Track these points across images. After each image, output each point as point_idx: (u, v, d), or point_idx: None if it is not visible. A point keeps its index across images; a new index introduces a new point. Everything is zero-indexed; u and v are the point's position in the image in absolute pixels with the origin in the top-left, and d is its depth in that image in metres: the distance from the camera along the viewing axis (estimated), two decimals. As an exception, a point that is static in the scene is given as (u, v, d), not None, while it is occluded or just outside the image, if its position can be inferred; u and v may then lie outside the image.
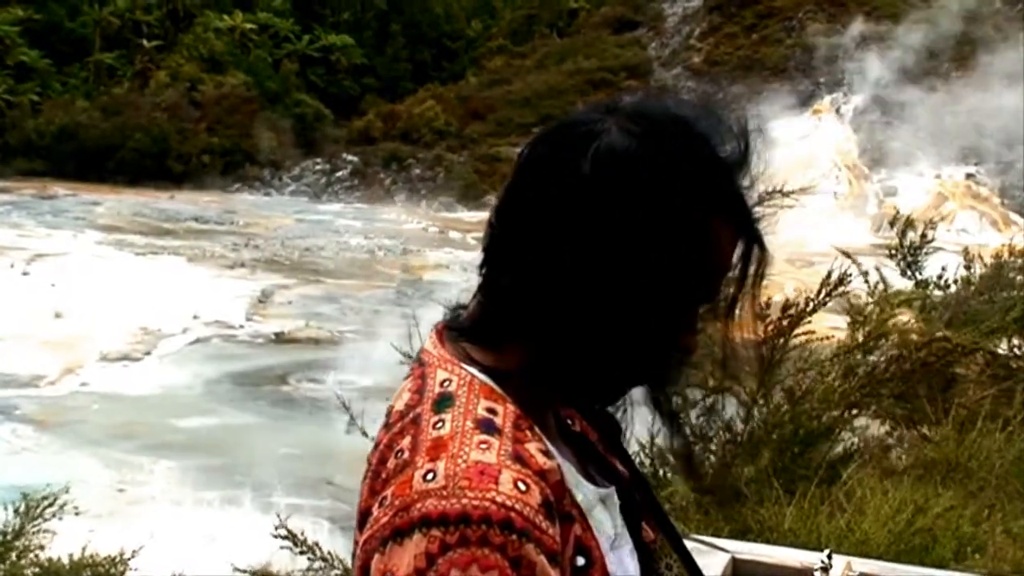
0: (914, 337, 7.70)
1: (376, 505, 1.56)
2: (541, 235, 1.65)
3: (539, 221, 1.65)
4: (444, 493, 1.49)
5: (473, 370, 1.68)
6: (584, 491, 1.72)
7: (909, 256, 10.75)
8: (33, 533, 6.99)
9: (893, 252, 10.79)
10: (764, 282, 1.83)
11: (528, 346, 1.68)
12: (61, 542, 7.31)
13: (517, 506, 1.49)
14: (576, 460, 1.77)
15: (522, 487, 1.52)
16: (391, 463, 1.59)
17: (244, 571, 7.60)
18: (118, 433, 23.45)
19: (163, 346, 31.88)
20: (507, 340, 1.71)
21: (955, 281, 10.64)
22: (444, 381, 1.68)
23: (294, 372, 29.60)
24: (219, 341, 33.42)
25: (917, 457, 7.34)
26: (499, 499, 1.49)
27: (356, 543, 1.59)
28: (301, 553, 6.82)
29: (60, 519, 7.15)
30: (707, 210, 1.64)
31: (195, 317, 34.48)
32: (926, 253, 10.78)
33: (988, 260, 11.10)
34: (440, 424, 1.60)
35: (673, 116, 1.70)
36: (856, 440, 7.47)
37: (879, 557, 4.68)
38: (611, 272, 1.62)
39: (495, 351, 1.71)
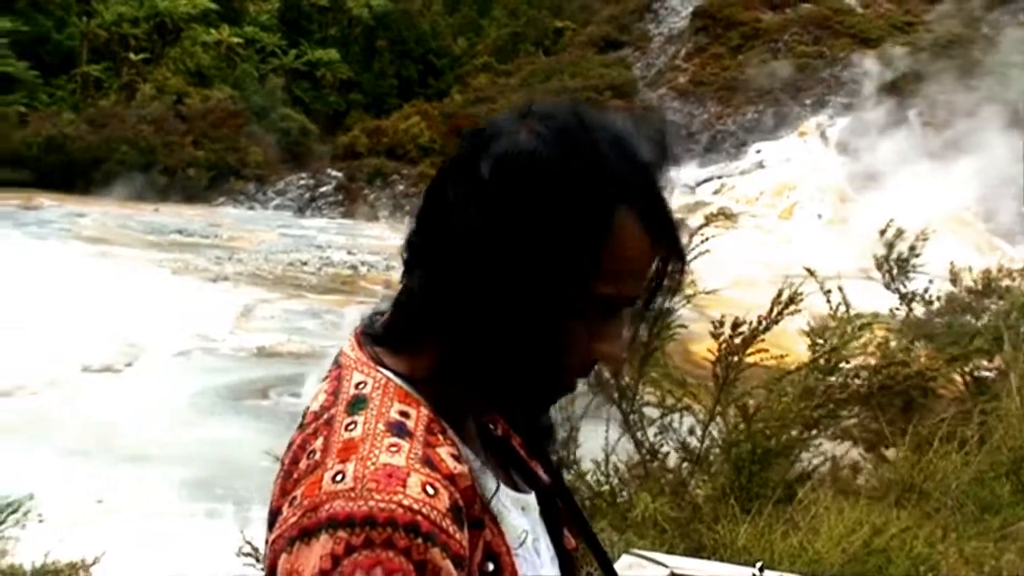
0: (872, 361, 7.71)
1: (286, 505, 1.58)
2: (444, 237, 1.68)
3: (442, 223, 1.69)
4: (352, 495, 1.51)
5: (388, 373, 1.71)
6: (500, 496, 1.72)
7: (896, 268, 10.71)
8: (-4, 540, 7.02)
9: (880, 264, 10.75)
10: (677, 293, 1.87)
11: (438, 349, 1.69)
12: (34, 550, 7.34)
13: (424, 510, 1.50)
14: (496, 465, 1.80)
15: (430, 491, 1.53)
16: (303, 464, 1.62)
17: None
18: (99, 444, 23.23)
19: (145, 358, 31.56)
20: (417, 343, 1.72)
21: (938, 298, 10.63)
22: (359, 383, 1.70)
23: (276, 386, 29.38)
24: (201, 354, 33.16)
25: (874, 478, 7.35)
26: (406, 502, 1.50)
27: (266, 542, 1.62)
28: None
29: (23, 527, 7.17)
30: (609, 200, 1.63)
31: (178, 330, 34.23)
32: (914, 267, 10.72)
33: (975, 279, 11.04)
34: (352, 426, 1.62)
35: (582, 118, 1.69)
36: (813, 460, 7.47)
37: (831, 577, 4.70)
38: (506, 269, 1.62)
39: (407, 355, 1.73)
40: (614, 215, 1.63)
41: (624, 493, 6.90)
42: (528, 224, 1.62)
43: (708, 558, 4.99)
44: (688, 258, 1.80)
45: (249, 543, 7.51)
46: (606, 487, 6.90)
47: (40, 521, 7.41)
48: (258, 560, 7.43)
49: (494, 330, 1.64)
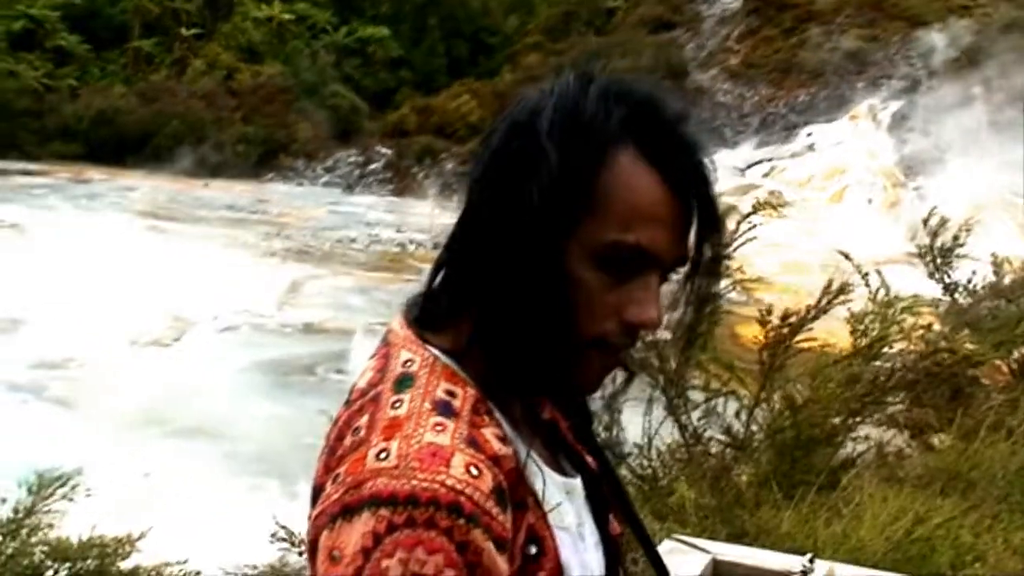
0: (916, 347, 7.64)
1: (329, 481, 1.59)
2: (466, 206, 1.71)
3: (468, 194, 1.71)
4: (395, 473, 1.51)
5: (436, 351, 1.71)
6: (546, 480, 1.71)
7: (939, 258, 10.63)
8: (44, 513, 7.06)
9: (923, 253, 10.68)
10: (722, 263, 1.84)
11: (471, 321, 1.70)
12: (81, 523, 7.37)
13: (467, 491, 1.51)
14: (544, 448, 1.77)
15: (474, 472, 1.54)
16: (348, 440, 1.62)
17: (251, 567, 7.66)
18: (145, 418, 23.30)
19: (193, 332, 31.65)
20: (454, 317, 1.73)
21: (982, 287, 10.54)
22: (407, 361, 1.70)
23: (322, 362, 29.37)
24: (248, 329, 33.22)
25: (919, 466, 7.30)
26: (449, 482, 1.50)
27: (309, 519, 1.62)
28: (301, 554, 6.83)
29: (71, 500, 7.20)
30: (597, 136, 1.63)
31: (225, 305, 34.29)
32: (957, 256, 10.63)
33: (1018, 267, 10.96)
34: (398, 404, 1.62)
35: (586, 72, 1.71)
36: (858, 447, 7.43)
37: (874, 565, 4.67)
38: (505, 220, 1.62)
39: (447, 330, 1.73)
40: (606, 153, 1.63)
41: (665, 479, 6.89)
42: (522, 176, 1.62)
43: (750, 544, 4.97)
44: (725, 223, 1.78)
45: (283, 527, 7.51)
46: (648, 471, 6.90)
47: (88, 495, 7.42)
48: (293, 545, 7.43)
49: (509, 290, 1.63)
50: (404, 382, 1.66)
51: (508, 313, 1.64)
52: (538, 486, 1.69)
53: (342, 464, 1.59)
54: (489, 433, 1.62)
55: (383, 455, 1.54)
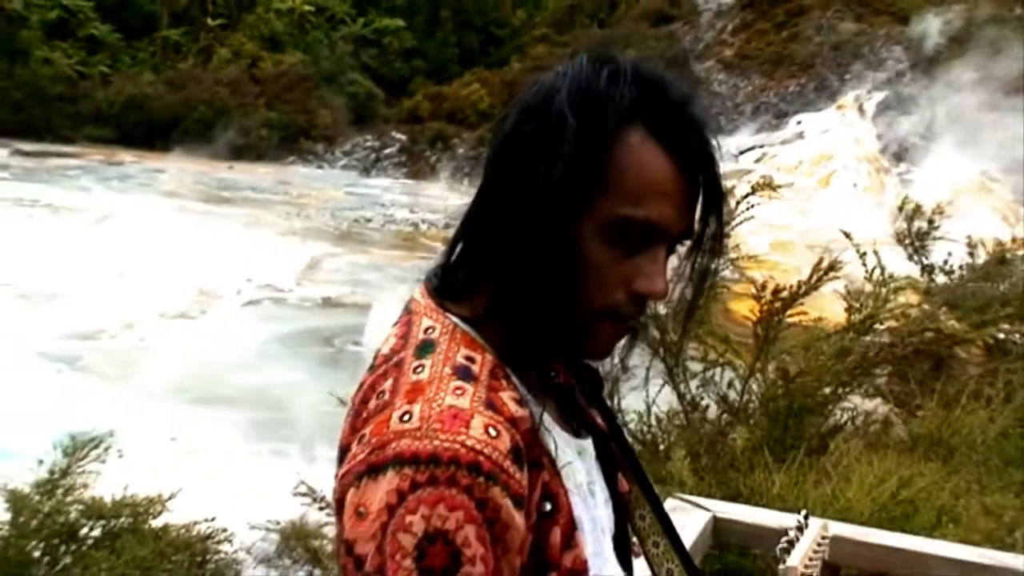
0: (906, 325, 7.68)
1: (355, 442, 1.59)
2: (483, 183, 1.71)
3: (484, 178, 1.71)
4: (418, 434, 1.52)
5: (455, 319, 1.71)
6: (559, 441, 1.72)
7: (916, 242, 10.67)
8: (79, 473, 7.08)
9: (901, 237, 10.72)
10: (727, 233, 1.84)
11: (488, 290, 1.70)
12: (113, 484, 7.39)
13: (486, 450, 1.51)
14: (556, 411, 1.78)
15: (492, 432, 1.54)
16: (372, 403, 1.62)
17: (274, 523, 7.68)
18: (173, 386, 23.37)
19: (218, 306, 31.75)
20: (472, 287, 1.73)
21: (959, 267, 10.59)
22: (428, 328, 1.71)
23: (339, 334, 29.42)
24: (270, 303, 33.30)
25: (903, 433, 7.33)
26: (469, 442, 1.51)
27: (335, 478, 1.61)
28: (321, 510, 6.87)
29: (103, 462, 7.22)
30: (608, 115, 1.62)
31: (248, 280, 34.35)
32: (933, 239, 10.67)
33: (991, 249, 11.00)
34: (420, 368, 1.62)
35: (599, 56, 1.70)
36: (846, 415, 7.46)
37: (862, 524, 4.67)
38: (519, 199, 1.62)
39: (466, 299, 1.73)
40: (619, 132, 1.62)
41: (664, 444, 6.92)
42: (536, 155, 1.61)
43: (744, 504, 4.98)
44: (727, 204, 1.80)
45: (305, 483, 7.55)
46: (648, 436, 6.92)
47: (120, 456, 7.44)
48: (315, 500, 7.46)
49: (525, 265, 1.63)
50: (426, 348, 1.67)
51: (524, 286, 1.64)
52: (551, 446, 1.69)
53: (367, 426, 1.59)
54: (506, 396, 1.62)
55: (406, 417, 1.55)
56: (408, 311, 1.79)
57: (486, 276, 1.71)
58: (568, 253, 1.63)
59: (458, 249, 1.79)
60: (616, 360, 1.90)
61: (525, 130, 1.65)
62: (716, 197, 1.72)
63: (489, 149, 1.74)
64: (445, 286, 1.78)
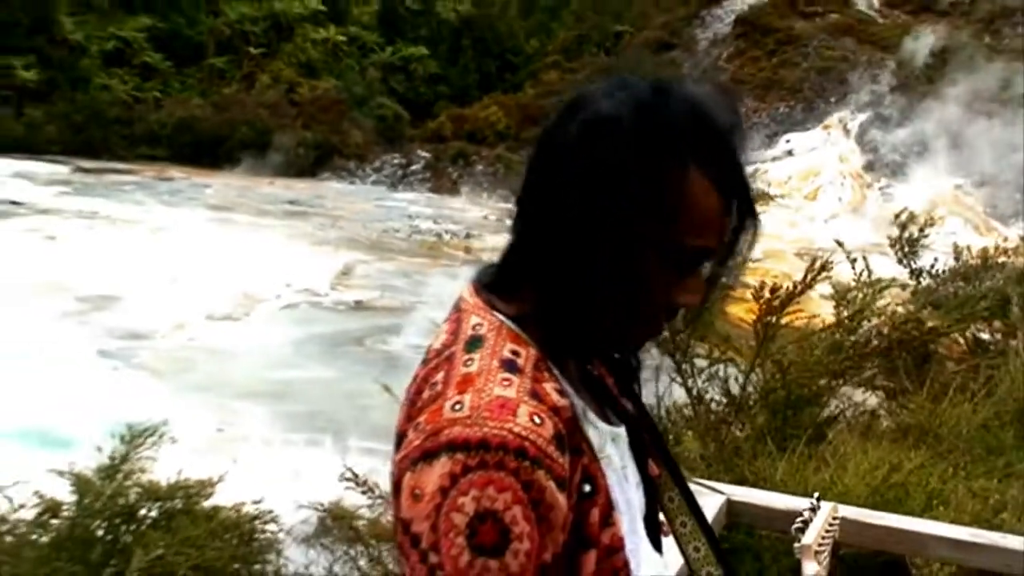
0: (892, 318, 7.71)
1: (411, 429, 1.60)
2: (540, 193, 1.68)
3: (540, 181, 1.69)
4: (468, 422, 1.53)
5: (501, 317, 1.72)
6: (596, 428, 1.75)
7: (907, 247, 10.73)
8: (136, 460, 7.10)
9: (893, 243, 10.78)
10: (754, 250, 1.84)
11: (535, 294, 1.70)
12: (167, 469, 7.40)
13: (531, 436, 1.53)
14: (593, 401, 1.80)
15: (537, 420, 1.55)
16: (426, 394, 1.64)
17: (319, 506, 7.67)
18: (219, 381, 23.51)
19: (260, 309, 31.84)
20: (519, 289, 1.73)
21: (944, 271, 10.65)
22: (476, 325, 1.72)
23: (370, 335, 29.52)
24: (307, 306, 33.36)
25: (894, 422, 7.34)
26: (516, 429, 1.52)
27: (392, 462, 1.63)
28: (363, 493, 6.87)
29: (158, 448, 7.24)
30: (681, 158, 1.62)
31: (287, 285, 34.44)
32: (923, 246, 10.74)
33: (975, 255, 11.07)
34: (470, 362, 1.64)
35: (657, 88, 1.69)
36: (840, 406, 7.48)
37: (859, 507, 4.68)
38: (588, 220, 1.62)
39: (513, 300, 1.74)
40: (688, 172, 1.62)
41: (673, 434, 6.92)
42: (608, 180, 1.61)
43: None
44: (757, 227, 1.79)
45: (350, 469, 7.55)
46: (660, 427, 6.91)
47: (173, 443, 7.46)
48: (358, 484, 7.46)
49: (582, 275, 1.64)
50: (475, 343, 1.69)
51: (581, 297, 1.66)
52: (590, 433, 1.72)
53: (422, 414, 1.62)
54: (549, 387, 1.65)
55: (458, 406, 1.57)
56: (458, 309, 1.81)
57: (532, 279, 1.71)
58: (628, 273, 1.65)
59: (509, 252, 1.80)
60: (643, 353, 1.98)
61: (593, 152, 1.63)
62: (749, 219, 1.75)
63: (540, 155, 1.72)
64: (495, 284, 1.80)
